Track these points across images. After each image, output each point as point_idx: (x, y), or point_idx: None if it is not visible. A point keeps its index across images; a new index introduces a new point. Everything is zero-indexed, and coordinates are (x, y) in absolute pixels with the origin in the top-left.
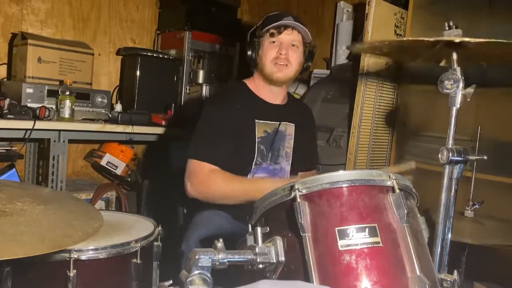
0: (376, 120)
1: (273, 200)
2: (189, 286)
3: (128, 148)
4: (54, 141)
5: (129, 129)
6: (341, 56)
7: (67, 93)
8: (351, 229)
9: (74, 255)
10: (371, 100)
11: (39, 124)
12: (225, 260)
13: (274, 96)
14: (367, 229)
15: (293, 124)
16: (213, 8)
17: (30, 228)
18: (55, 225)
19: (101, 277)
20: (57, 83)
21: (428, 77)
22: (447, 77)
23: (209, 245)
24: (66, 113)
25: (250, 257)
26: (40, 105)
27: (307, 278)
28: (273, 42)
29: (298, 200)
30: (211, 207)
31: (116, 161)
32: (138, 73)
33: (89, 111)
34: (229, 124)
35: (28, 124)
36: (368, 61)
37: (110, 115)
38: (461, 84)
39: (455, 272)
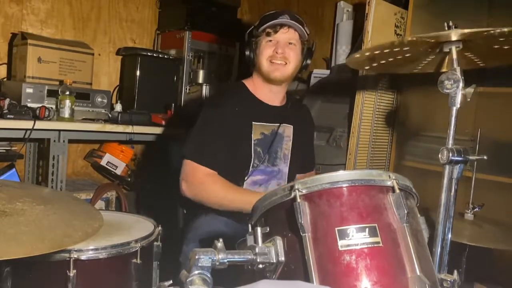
0: (376, 120)
1: (273, 200)
2: (189, 286)
3: (128, 148)
4: (54, 141)
5: (129, 129)
6: (341, 56)
7: (67, 93)
8: (351, 229)
9: (74, 255)
10: (371, 100)
11: (39, 124)
12: (225, 260)
13: (273, 96)
14: (367, 229)
15: (291, 126)
16: (213, 8)
17: (30, 228)
18: (55, 225)
19: (101, 277)
20: (57, 83)
21: (428, 77)
22: (447, 77)
23: (209, 245)
24: (66, 113)
25: (250, 257)
26: (40, 105)
27: (307, 278)
28: (270, 41)
29: (298, 200)
30: (211, 211)
31: (116, 161)
32: (138, 73)
33: (89, 111)
34: (227, 126)
35: (28, 124)
36: None
37: (110, 115)
38: (461, 84)
39: (455, 272)
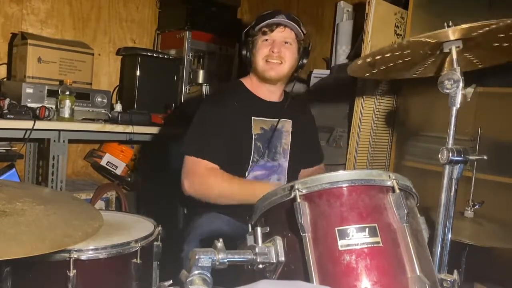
0: (376, 120)
1: (273, 200)
2: (189, 286)
3: (128, 148)
4: (54, 141)
5: (129, 129)
6: (341, 56)
7: (67, 93)
8: (351, 229)
9: (74, 255)
10: (371, 100)
11: (39, 124)
12: (225, 260)
13: (270, 93)
14: (367, 229)
15: (290, 121)
16: (213, 8)
17: (30, 228)
18: (55, 225)
19: (101, 277)
20: (57, 83)
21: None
22: (447, 77)
23: (209, 245)
24: (66, 113)
25: (250, 257)
26: (40, 105)
27: (307, 278)
28: (266, 40)
29: (298, 200)
30: (212, 209)
31: (116, 161)
32: (138, 73)
33: (89, 111)
34: (226, 121)
35: (28, 124)
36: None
37: (110, 115)
38: (461, 84)
39: (455, 272)
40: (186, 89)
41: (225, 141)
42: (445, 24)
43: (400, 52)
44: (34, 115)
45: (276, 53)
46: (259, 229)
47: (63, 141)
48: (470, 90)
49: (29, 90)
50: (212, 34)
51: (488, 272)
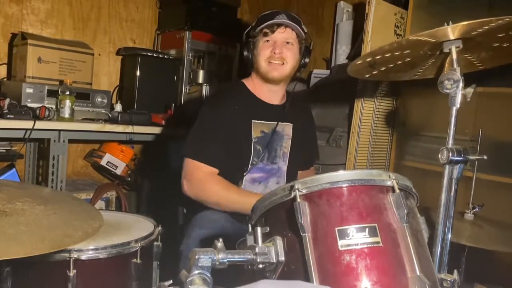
0: (376, 120)
1: (273, 200)
2: (189, 286)
3: (128, 148)
4: (54, 141)
5: (129, 129)
6: (341, 56)
7: (67, 93)
8: (351, 229)
9: (74, 255)
10: (371, 100)
11: (39, 124)
12: (225, 260)
13: (272, 95)
14: (367, 229)
15: (291, 124)
16: (213, 8)
17: (30, 228)
18: (55, 225)
19: (101, 277)
20: (57, 83)
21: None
22: (447, 77)
23: (209, 245)
24: (66, 113)
25: (250, 257)
26: (40, 105)
27: (307, 278)
28: (267, 41)
29: (298, 200)
30: (211, 208)
31: (116, 161)
32: (138, 73)
33: (89, 111)
34: (226, 125)
35: (28, 124)
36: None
37: (110, 115)
38: (461, 84)
39: (455, 272)
40: (186, 89)
41: (225, 144)
42: (445, 24)
43: (400, 52)
44: (34, 115)
45: (277, 54)
46: (259, 229)
47: (63, 141)
48: (470, 90)
49: (29, 90)
50: (212, 34)
51: (488, 272)
